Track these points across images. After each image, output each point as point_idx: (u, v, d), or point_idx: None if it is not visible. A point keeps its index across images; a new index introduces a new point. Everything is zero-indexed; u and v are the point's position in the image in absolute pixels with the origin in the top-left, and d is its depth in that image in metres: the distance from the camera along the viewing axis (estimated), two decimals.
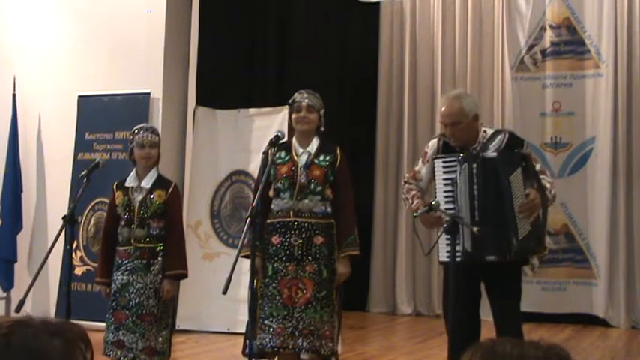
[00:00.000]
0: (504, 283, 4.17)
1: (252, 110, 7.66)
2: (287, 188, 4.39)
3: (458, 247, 3.86)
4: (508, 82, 8.39)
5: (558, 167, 8.16)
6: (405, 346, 7.00)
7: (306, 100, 4.46)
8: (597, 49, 8.15)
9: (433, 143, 4.31)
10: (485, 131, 4.20)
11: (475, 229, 3.90)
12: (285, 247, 4.35)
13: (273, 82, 8.68)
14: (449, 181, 4.06)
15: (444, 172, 4.09)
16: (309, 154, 4.45)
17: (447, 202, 4.05)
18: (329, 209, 4.41)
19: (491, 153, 4.06)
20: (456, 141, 4.14)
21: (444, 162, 4.11)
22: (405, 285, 8.79)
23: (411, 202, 4.28)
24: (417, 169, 4.36)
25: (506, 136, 4.18)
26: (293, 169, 4.40)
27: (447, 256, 3.92)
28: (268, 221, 4.41)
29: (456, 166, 4.06)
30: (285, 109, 6.99)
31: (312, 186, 4.37)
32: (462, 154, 4.09)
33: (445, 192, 4.07)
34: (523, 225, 3.94)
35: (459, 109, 4.09)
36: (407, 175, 4.48)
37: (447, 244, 3.91)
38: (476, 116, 4.15)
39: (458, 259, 3.84)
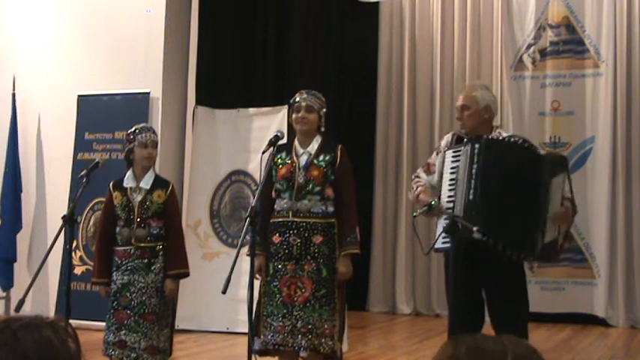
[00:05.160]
0: (505, 285, 4.14)
1: (251, 110, 7.66)
2: (286, 189, 4.41)
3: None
4: (507, 82, 8.40)
5: None
6: (405, 346, 7.01)
7: (306, 101, 4.48)
8: (596, 48, 8.15)
9: (447, 137, 4.38)
10: (499, 132, 4.23)
11: (475, 228, 3.89)
12: (285, 247, 4.38)
13: (272, 82, 8.68)
14: (455, 169, 4.07)
15: (452, 162, 4.11)
16: (310, 154, 4.46)
17: (450, 190, 4.07)
18: (330, 209, 4.42)
19: (541, 150, 4.06)
20: (464, 126, 4.22)
21: (454, 151, 4.14)
22: (405, 285, 8.80)
23: (415, 189, 4.29)
24: (430, 161, 4.38)
25: (528, 143, 4.18)
26: (292, 170, 4.42)
27: (443, 243, 3.92)
28: (271, 221, 4.45)
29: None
30: (285, 109, 7.00)
31: (310, 186, 4.39)
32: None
33: (450, 180, 4.08)
34: (551, 232, 3.93)
35: (472, 95, 4.24)
36: (418, 169, 4.49)
37: (443, 235, 3.91)
38: (487, 107, 4.19)
39: (447, 245, 3.84)
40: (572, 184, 4.08)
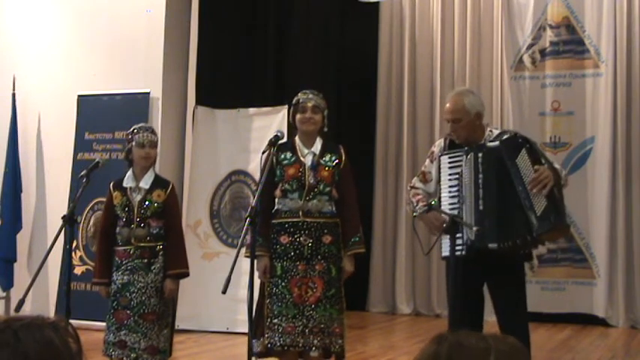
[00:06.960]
0: (507, 286, 4.14)
1: (251, 110, 7.66)
2: (296, 189, 4.38)
3: (459, 241, 3.85)
4: (507, 82, 8.40)
5: None
6: (405, 346, 7.01)
7: (312, 101, 4.46)
8: (597, 48, 8.15)
9: (440, 142, 4.34)
10: (491, 131, 4.21)
11: (475, 228, 3.89)
12: (295, 247, 4.36)
13: (272, 82, 8.68)
14: (455, 176, 4.04)
15: (450, 167, 4.09)
16: (314, 154, 4.45)
17: (451, 197, 4.05)
18: (334, 208, 4.44)
19: (494, 142, 4.06)
20: (458, 138, 4.15)
21: (450, 157, 4.10)
22: (405, 285, 8.79)
23: (415, 204, 4.25)
24: (425, 169, 4.34)
25: (511, 134, 4.19)
26: (301, 169, 4.40)
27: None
28: (276, 221, 4.41)
29: (461, 160, 4.05)
30: (285, 109, 7.00)
31: (320, 186, 4.39)
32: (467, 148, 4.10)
33: (450, 187, 4.06)
34: (538, 200, 3.88)
35: (461, 106, 4.12)
36: (413, 179, 4.47)
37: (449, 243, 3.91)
38: (478, 114, 4.14)
39: (459, 253, 3.83)
40: (548, 157, 4.08)
